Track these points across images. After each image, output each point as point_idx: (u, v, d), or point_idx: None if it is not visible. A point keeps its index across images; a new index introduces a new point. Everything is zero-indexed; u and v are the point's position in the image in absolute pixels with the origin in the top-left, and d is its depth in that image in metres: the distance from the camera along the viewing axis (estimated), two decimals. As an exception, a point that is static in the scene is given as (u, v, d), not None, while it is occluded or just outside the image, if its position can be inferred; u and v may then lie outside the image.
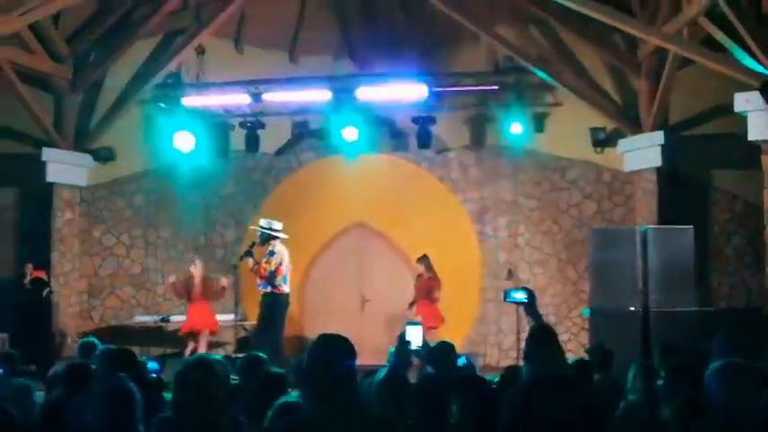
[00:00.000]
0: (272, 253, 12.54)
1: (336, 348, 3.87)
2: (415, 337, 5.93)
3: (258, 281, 12.59)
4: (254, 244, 12.82)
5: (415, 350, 6.27)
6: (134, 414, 4.76)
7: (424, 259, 14.21)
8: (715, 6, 11.80)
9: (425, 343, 7.25)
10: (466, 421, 5.35)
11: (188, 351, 13.86)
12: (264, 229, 12.71)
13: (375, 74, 15.82)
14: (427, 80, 15.11)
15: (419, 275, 14.27)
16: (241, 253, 13.15)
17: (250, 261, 12.58)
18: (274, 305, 12.55)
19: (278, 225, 12.87)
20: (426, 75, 15.34)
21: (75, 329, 15.96)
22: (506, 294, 6.51)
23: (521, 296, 6.24)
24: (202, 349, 13.83)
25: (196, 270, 14.33)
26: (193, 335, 14.21)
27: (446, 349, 6.59)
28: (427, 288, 14.05)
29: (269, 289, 12.52)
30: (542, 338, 5.42)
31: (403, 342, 6.16)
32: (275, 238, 12.73)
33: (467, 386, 5.55)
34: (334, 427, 3.68)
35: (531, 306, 6.15)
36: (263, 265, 12.43)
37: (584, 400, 5.29)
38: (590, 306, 13.51)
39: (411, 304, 14.28)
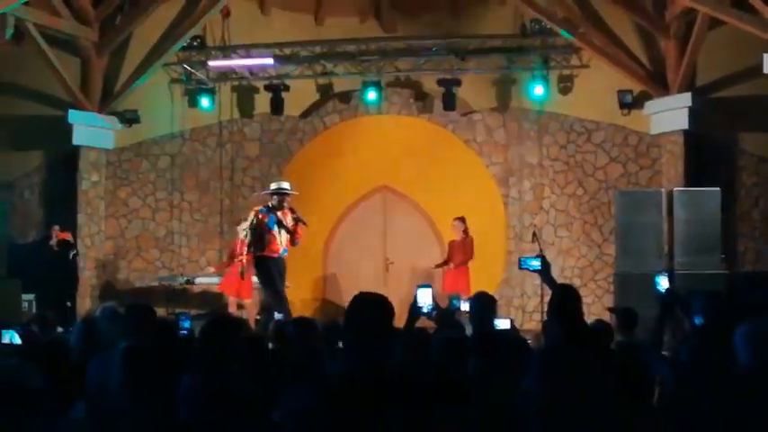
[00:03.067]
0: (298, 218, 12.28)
1: (374, 307, 3.92)
2: (425, 299, 5.91)
3: (288, 245, 12.24)
4: (274, 209, 12.21)
5: (426, 312, 6.26)
6: (156, 373, 4.77)
7: (462, 221, 14.16)
8: (745, -34, 11.67)
9: (436, 305, 7.22)
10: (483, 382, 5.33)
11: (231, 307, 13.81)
12: (287, 191, 12.30)
13: (401, 37, 15.79)
14: (453, 42, 15.05)
15: (464, 237, 14.16)
16: (285, 222, 12.19)
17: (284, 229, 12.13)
18: None
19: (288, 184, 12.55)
20: (452, 37, 15.27)
21: (101, 291, 16.06)
22: (521, 262, 6.47)
23: (535, 264, 6.22)
24: (253, 313, 13.83)
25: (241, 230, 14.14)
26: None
27: (484, 303, 6.45)
28: (468, 249, 14.03)
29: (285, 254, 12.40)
30: (564, 301, 5.41)
31: (414, 306, 6.16)
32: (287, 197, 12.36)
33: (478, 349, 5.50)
34: (368, 386, 3.71)
35: (545, 273, 6.13)
36: (301, 230, 12.20)
37: (602, 360, 5.27)
38: (616, 269, 13.49)
39: (440, 265, 14.32)
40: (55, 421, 4.86)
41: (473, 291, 13.21)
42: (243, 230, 12.61)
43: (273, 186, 12.34)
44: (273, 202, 12.15)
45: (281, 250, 12.08)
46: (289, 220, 12.07)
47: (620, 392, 4.90)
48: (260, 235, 12.02)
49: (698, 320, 6.78)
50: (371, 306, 3.96)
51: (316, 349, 5.25)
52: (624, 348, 7.05)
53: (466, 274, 14.05)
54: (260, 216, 12.07)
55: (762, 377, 4.33)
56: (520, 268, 6.42)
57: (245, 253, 12.53)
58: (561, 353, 5.00)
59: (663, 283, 6.80)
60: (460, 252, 14.07)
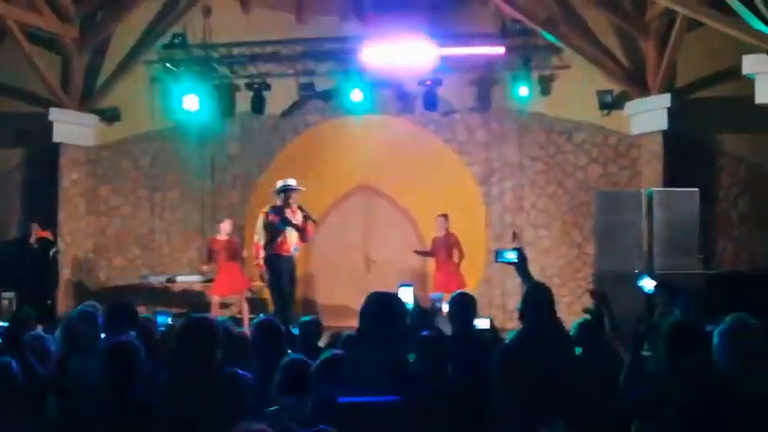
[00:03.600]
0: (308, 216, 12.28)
1: (388, 305, 3.98)
2: (407, 298, 5.92)
3: (299, 243, 12.28)
4: (282, 207, 12.24)
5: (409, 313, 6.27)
6: (136, 372, 4.78)
7: (445, 218, 14.16)
8: (724, -32, 11.75)
9: (417, 304, 7.23)
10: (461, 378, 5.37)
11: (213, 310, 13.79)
12: (292, 188, 12.27)
13: (383, 34, 15.81)
14: (434, 42, 15.07)
15: (447, 234, 14.14)
16: (294, 220, 12.23)
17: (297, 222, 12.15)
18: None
19: (294, 181, 12.52)
20: (433, 36, 15.31)
21: (81, 289, 16.03)
22: (497, 254, 6.47)
23: (512, 256, 6.24)
24: (245, 311, 13.82)
25: (223, 229, 14.15)
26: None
27: (464, 303, 6.46)
28: (451, 246, 14.03)
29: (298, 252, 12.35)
30: (535, 297, 5.46)
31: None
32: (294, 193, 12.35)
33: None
34: (378, 382, 3.78)
35: (521, 267, 6.15)
36: (311, 227, 12.23)
37: (566, 353, 5.35)
38: (595, 268, 13.57)
39: (422, 253, 14.41)
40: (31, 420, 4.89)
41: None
42: (256, 234, 12.46)
43: (280, 184, 12.32)
44: (280, 200, 12.13)
45: (291, 249, 12.06)
46: (298, 218, 12.05)
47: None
48: (271, 235, 12.01)
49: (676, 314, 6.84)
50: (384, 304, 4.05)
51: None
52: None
53: (456, 272, 14.02)
54: (269, 217, 12.04)
55: (738, 375, 4.37)
56: (496, 261, 6.42)
57: (261, 255, 12.39)
58: (519, 349, 5.07)
59: (647, 284, 6.83)
60: (443, 249, 14.08)
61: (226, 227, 14.12)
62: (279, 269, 12.06)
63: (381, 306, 4.24)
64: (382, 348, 4.26)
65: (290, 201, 12.09)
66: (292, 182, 12.34)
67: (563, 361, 5.19)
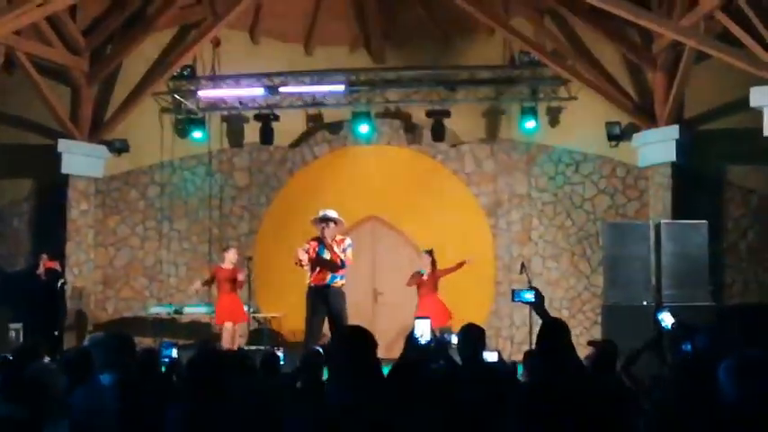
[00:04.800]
0: (351, 245, 12.03)
1: (360, 340, 3.94)
2: (423, 331, 5.86)
3: (337, 272, 11.84)
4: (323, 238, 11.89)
5: (423, 344, 6.21)
6: (141, 403, 4.75)
7: (430, 254, 14.04)
8: (732, 1, 11.78)
9: (434, 337, 7.20)
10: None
11: (225, 340, 13.71)
12: (332, 218, 11.93)
13: (391, 68, 15.91)
14: (442, 74, 15.14)
15: (432, 271, 14.05)
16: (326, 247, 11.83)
17: (330, 254, 11.79)
18: (345, 299, 12.06)
19: (334, 213, 12.14)
20: (441, 68, 15.37)
21: (90, 320, 16.02)
22: (515, 294, 6.41)
23: (529, 296, 6.18)
24: (236, 342, 13.72)
25: (228, 258, 14.02)
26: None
27: (472, 335, 6.38)
28: (436, 281, 13.95)
29: (344, 282, 12.03)
30: (554, 334, 5.41)
31: (411, 338, 6.12)
32: (332, 223, 11.99)
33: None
34: (361, 414, 3.73)
35: (539, 306, 6.11)
36: (348, 256, 11.89)
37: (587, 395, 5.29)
38: (604, 300, 13.52)
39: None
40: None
41: (459, 319, 13.22)
42: (306, 267, 12.21)
43: (321, 214, 11.98)
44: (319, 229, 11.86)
45: (326, 279, 11.91)
46: (337, 250, 11.77)
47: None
48: (311, 265, 11.89)
49: (686, 348, 6.78)
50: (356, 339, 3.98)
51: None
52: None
53: (440, 302, 13.88)
54: (312, 245, 11.89)
55: (747, 411, 4.32)
56: (513, 300, 6.36)
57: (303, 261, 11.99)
58: (544, 388, 5.01)
59: (666, 319, 6.77)
60: (429, 283, 13.92)
61: (231, 256, 14.02)
62: (310, 302, 11.88)
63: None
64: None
65: (325, 232, 11.86)
66: (329, 213, 11.99)
67: (594, 401, 5.11)
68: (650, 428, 4.75)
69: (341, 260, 11.75)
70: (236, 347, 13.38)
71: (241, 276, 13.78)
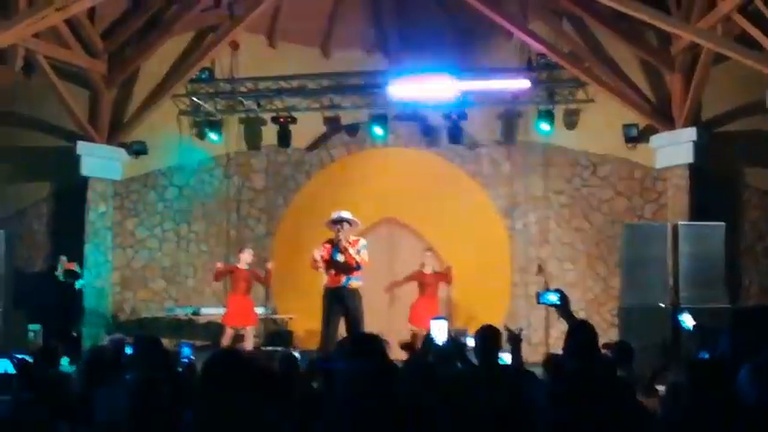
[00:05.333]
0: (365, 246, 11.99)
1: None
2: (440, 332, 5.87)
3: (352, 274, 11.82)
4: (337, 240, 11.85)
5: (441, 345, 6.20)
6: (162, 405, 4.75)
7: (433, 252, 14.15)
8: (750, 2, 11.77)
9: (450, 338, 7.19)
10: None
11: (225, 341, 13.75)
12: (347, 219, 11.88)
13: (408, 69, 15.90)
14: (459, 76, 15.12)
15: (436, 272, 14.15)
16: (341, 248, 11.79)
17: (344, 256, 11.76)
18: (362, 300, 12.03)
19: (349, 214, 12.07)
20: (458, 71, 15.38)
21: (108, 322, 16.08)
22: (539, 296, 6.40)
23: (554, 298, 6.16)
24: (249, 345, 13.73)
25: (243, 258, 14.05)
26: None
27: (488, 337, 6.39)
28: (439, 282, 14.04)
29: (360, 283, 12.00)
30: (583, 336, 5.40)
31: (428, 340, 6.13)
32: (347, 224, 11.95)
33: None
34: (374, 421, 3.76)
35: (564, 308, 6.09)
36: (363, 257, 11.84)
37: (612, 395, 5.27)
38: (621, 302, 13.50)
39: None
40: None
41: (477, 321, 13.22)
42: (321, 269, 12.20)
43: (335, 216, 11.93)
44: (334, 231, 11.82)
45: (342, 280, 11.91)
46: (352, 251, 11.74)
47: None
48: (326, 267, 11.91)
49: (704, 355, 6.75)
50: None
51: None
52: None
53: (437, 305, 14.01)
54: (326, 247, 11.89)
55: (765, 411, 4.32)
56: (538, 303, 6.35)
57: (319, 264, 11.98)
58: (576, 388, 4.99)
59: (688, 321, 6.77)
60: (431, 284, 14.04)
61: (246, 257, 14.05)
62: (326, 304, 11.90)
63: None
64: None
65: (340, 234, 11.79)
66: (344, 214, 11.92)
67: (622, 407, 5.10)
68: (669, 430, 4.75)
69: (356, 262, 11.75)
70: (250, 348, 13.41)
71: (262, 273, 13.89)
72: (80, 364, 7.00)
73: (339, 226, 11.79)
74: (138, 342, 6.40)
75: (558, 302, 6.09)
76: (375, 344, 4.10)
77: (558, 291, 6.18)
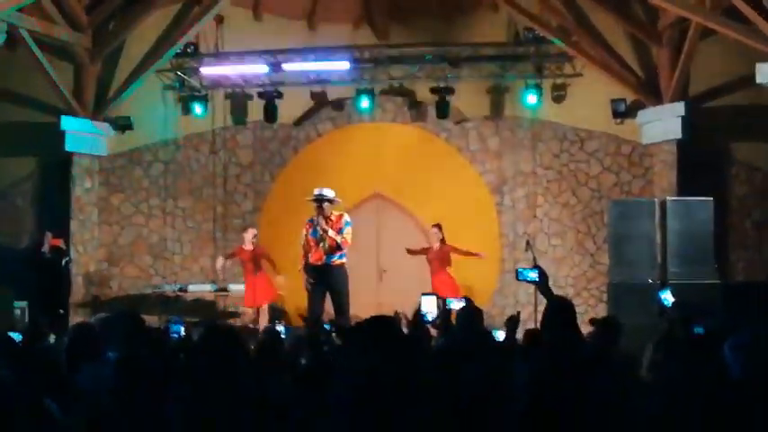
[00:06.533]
0: (349, 224, 11.94)
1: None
2: (430, 307, 5.86)
3: (335, 251, 11.80)
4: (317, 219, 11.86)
5: (430, 320, 6.20)
6: (147, 384, 4.70)
7: (439, 228, 14.13)
8: (738, -24, 11.70)
9: (441, 313, 7.19)
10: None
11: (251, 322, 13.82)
12: (327, 198, 11.86)
13: (395, 45, 15.84)
14: (446, 51, 15.08)
15: (441, 245, 14.11)
16: (320, 231, 11.80)
17: (329, 234, 11.76)
18: (347, 276, 12.08)
19: (330, 192, 12.05)
20: (446, 45, 15.31)
21: (95, 298, 16.02)
22: (519, 273, 6.39)
23: (533, 276, 6.14)
24: (263, 322, 13.74)
25: (246, 238, 14.18)
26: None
27: (470, 312, 6.38)
28: (446, 257, 14.02)
29: (344, 260, 12.01)
30: (560, 314, 5.37)
31: (417, 314, 6.12)
32: (327, 203, 11.92)
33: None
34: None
35: (543, 285, 6.06)
36: (345, 236, 11.81)
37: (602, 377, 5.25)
38: (609, 278, 13.51)
39: (415, 252, 14.43)
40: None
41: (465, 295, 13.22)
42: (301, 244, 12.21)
43: (316, 193, 11.91)
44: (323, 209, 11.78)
45: (323, 258, 11.88)
46: (332, 233, 11.72)
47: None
48: (307, 244, 11.90)
49: (698, 330, 6.75)
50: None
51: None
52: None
53: (450, 278, 13.98)
54: (306, 226, 11.90)
55: (752, 388, 4.32)
56: (517, 279, 6.34)
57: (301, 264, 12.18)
58: (552, 364, 4.98)
59: (668, 297, 6.75)
60: (437, 259, 14.05)
61: (248, 236, 14.16)
62: (307, 281, 11.92)
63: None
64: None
65: (322, 211, 11.76)
66: (325, 192, 11.90)
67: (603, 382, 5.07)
68: (653, 409, 4.73)
69: (337, 243, 11.73)
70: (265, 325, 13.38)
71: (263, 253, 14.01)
72: (63, 341, 6.94)
73: (319, 205, 11.76)
74: (119, 319, 6.31)
75: (537, 279, 6.05)
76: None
77: (537, 267, 6.16)
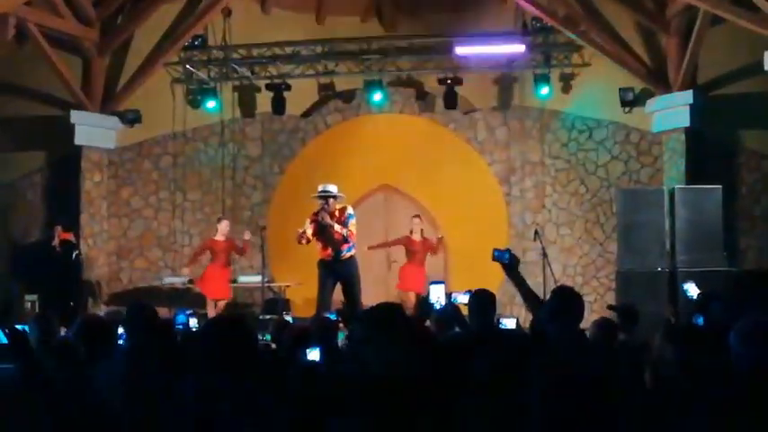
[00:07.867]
0: (352, 216, 11.94)
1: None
2: (438, 296, 5.84)
3: (343, 245, 11.79)
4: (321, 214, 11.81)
5: (438, 309, 6.17)
6: (156, 372, 4.71)
7: (420, 219, 14.27)
8: (746, -37, 11.67)
9: (449, 302, 7.16)
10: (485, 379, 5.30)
11: (210, 312, 13.81)
12: (332, 194, 11.82)
13: (403, 36, 15.84)
14: (454, 41, 15.07)
15: (424, 239, 14.24)
16: (327, 224, 11.71)
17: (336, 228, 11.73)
18: (357, 268, 12.07)
19: (334, 188, 12.03)
20: (454, 35, 15.30)
21: (104, 291, 16.07)
22: (493, 253, 6.19)
23: (504, 258, 5.95)
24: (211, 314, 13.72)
25: (220, 230, 14.16)
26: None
27: (484, 300, 6.30)
28: (429, 249, 14.12)
29: (353, 252, 12.01)
30: (565, 301, 5.33)
31: (426, 303, 6.11)
32: (332, 199, 11.91)
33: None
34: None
35: (511, 269, 5.90)
36: (351, 228, 11.80)
37: (607, 363, 5.25)
38: (618, 266, 13.50)
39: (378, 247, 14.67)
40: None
41: (473, 286, 13.19)
42: (305, 241, 12.17)
43: (320, 189, 11.92)
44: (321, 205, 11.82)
45: (332, 252, 11.91)
46: (337, 227, 11.71)
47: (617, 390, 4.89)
48: (316, 240, 11.91)
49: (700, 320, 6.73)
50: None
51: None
52: (627, 346, 7.03)
53: (424, 272, 14.13)
54: (311, 219, 11.90)
55: (759, 374, 4.30)
56: (492, 260, 6.14)
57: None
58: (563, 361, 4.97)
59: (692, 290, 6.69)
60: (420, 250, 14.10)
61: (222, 227, 14.10)
62: (319, 276, 11.94)
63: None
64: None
65: (326, 207, 11.74)
66: (330, 188, 11.89)
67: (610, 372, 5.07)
68: (658, 400, 4.73)
69: (343, 237, 11.75)
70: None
71: (240, 243, 13.97)
72: (72, 333, 6.94)
73: (324, 201, 11.79)
74: (130, 309, 6.32)
75: (506, 262, 5.88)
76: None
77: (507, 250, 5.98)
